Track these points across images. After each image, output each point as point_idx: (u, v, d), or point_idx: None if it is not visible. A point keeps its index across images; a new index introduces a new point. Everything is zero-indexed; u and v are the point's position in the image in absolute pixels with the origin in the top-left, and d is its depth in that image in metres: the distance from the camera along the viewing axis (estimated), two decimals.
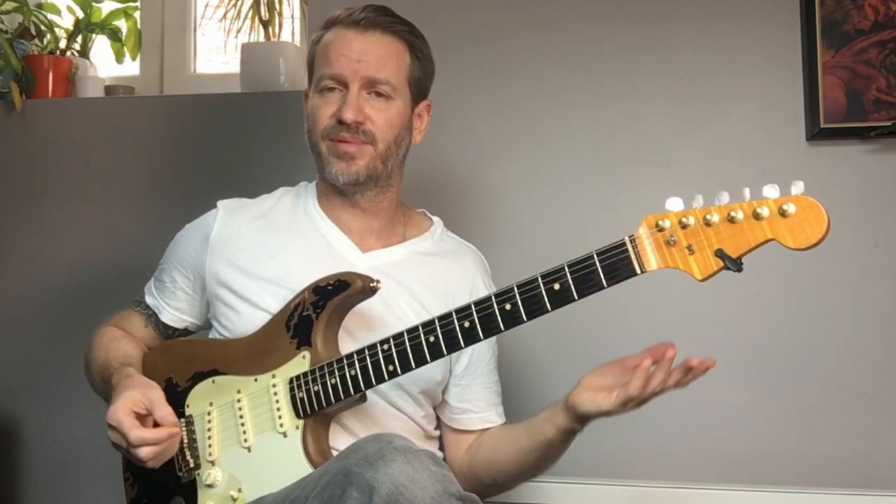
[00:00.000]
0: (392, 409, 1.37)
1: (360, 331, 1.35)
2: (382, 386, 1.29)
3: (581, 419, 1.25)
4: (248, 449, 1.30)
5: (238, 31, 2.32)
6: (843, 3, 1.81)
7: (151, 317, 1.50)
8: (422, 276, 1.43)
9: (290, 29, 2.32)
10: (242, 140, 2.07)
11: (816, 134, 1.80)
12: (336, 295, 1.28)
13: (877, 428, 1.76)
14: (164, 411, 1.25)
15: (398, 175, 1.45)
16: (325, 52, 1.39)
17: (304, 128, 1.44)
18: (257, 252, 1.40)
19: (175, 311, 1.48)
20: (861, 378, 1.77)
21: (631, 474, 1.80)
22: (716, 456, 1.80)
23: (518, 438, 1.36)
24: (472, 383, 1.46)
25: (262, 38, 2.26)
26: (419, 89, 1.44)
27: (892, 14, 1.80)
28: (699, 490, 1.74)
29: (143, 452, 1.23)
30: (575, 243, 1.84)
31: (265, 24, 2.24)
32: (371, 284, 1.27)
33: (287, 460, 1.26)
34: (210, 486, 1.33)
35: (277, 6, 2.26)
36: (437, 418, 1.49)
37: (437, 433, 1.48)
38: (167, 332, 1.50)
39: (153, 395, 1.26)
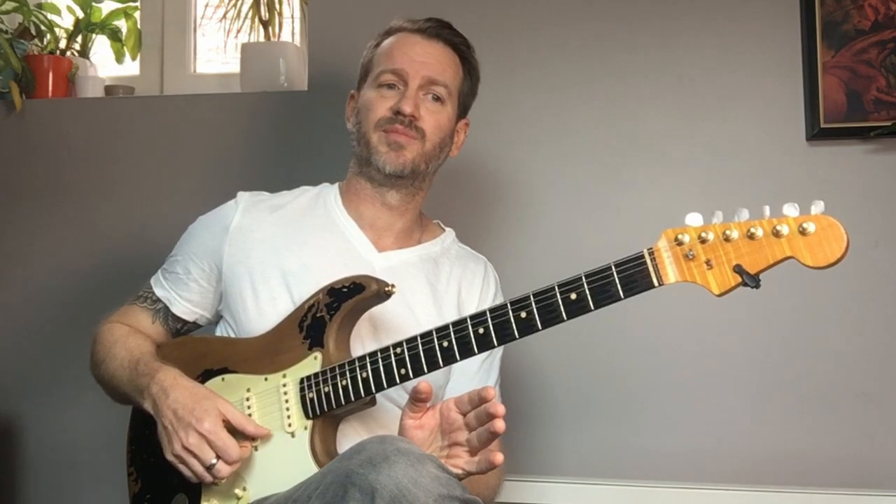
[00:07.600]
0: (395, 409, 1.37)
1: (365, 332, 1.36)
2: None
3: None
4: (255, 447, 1.30)
5: (238, 31, 2.32)
6: (843, 3, 1.81)
7: (160, 311, 1.49)
8: (432, 279, 1.45)
9: (290, 29, 2.32)
10: (242, 140, 2.07)
11: (816, 134, 1.80)
12: (351, 297, 1.28)
13: (877, 428, 1.76)
14: (255, 425, 1.27)
15: (429, 182, 1.49)
16: (387, 51, 1.46)
17: (350, 123, 1.49)
18: (276, 245, 1.42)
19: (187, 302, 1.48)
20: (861, 378, 1.77)
21: (631, 474, 1.80)
22: (716, 456, 1.80)
23: None
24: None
25: (262, 38, 2.27)
26: (464, 105, 1.52)
27: (892, 14, 1.80)
28: (699, 490, 1.73)
29: (225, 472, 1.24)
30: (575, 244, 1.87)
31: (265, 24, 2.25)
32: (386, 289, 1.27)
33: (294, 460, 1.26)
34: (214, 483, 1.33)
35: (277, 6, 2.26)
36: None
37: None
38: (176, 325, 1.49)
39: (235, 410, 1.27)
